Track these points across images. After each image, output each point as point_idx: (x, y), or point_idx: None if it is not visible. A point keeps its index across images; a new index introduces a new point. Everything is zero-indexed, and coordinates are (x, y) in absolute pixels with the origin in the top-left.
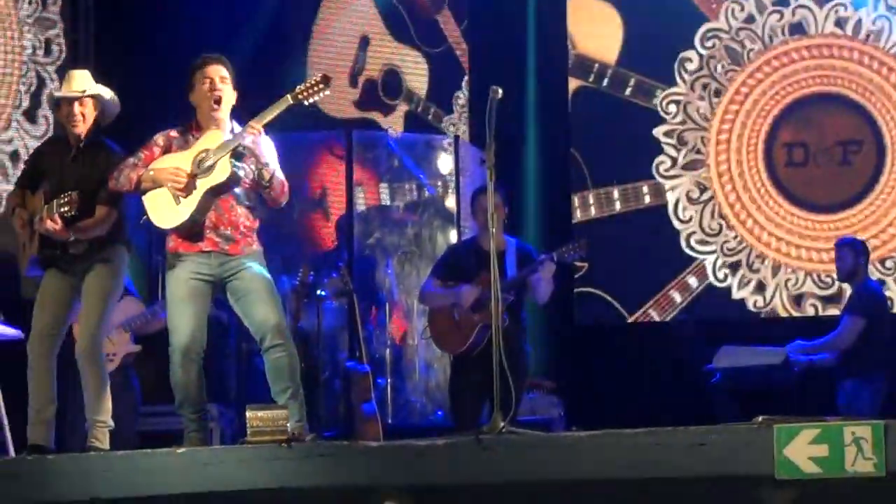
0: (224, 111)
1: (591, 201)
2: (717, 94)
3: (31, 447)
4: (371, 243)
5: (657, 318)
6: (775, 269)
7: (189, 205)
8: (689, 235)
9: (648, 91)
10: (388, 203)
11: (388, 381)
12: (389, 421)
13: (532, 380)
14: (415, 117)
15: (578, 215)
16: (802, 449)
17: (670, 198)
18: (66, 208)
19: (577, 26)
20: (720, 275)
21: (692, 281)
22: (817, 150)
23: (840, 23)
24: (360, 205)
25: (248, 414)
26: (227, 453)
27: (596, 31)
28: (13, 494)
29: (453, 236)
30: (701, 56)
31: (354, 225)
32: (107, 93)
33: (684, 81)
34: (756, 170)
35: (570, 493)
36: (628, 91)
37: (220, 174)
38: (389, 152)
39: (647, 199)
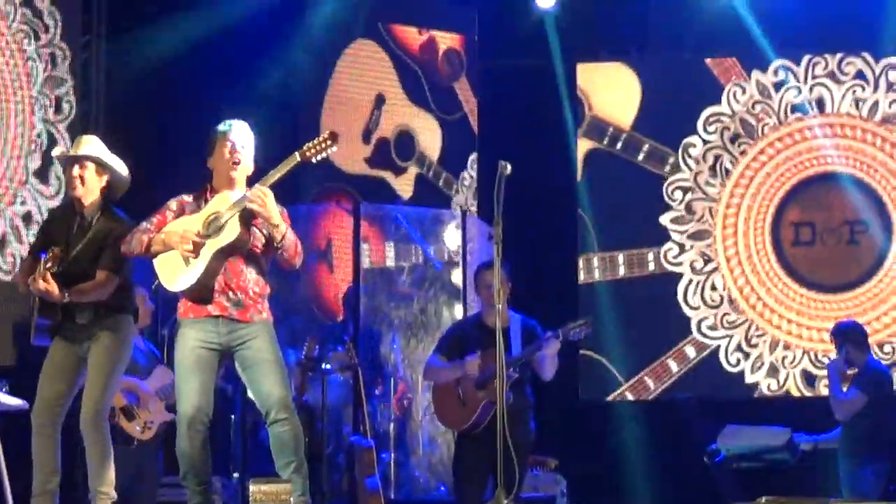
0: (241, 174)
1: (596, 264)
2: (727, 172)
3: None
4: (377, 306)
5: (652, 387)
6: (782, 349)
7: (198, 266)
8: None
9: (662, 157)
10: (394, 264)
11: (392, 455)
12: (392, 496)
13: (535, 457)
14: (424, 181)
15: (582, 276)
16: None
17: (680, 280)
18: (49, 264)
19: (594, 89)
20: (730, 358)
21: (690, 351)
22: (824, 230)
23: (856, 104)
24: (366, 263)
25: (252, 487)
26: None
27: (613, 95)
28: None
29: (459, 311)
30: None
31: (360, 288)
32: (117, 164)
33: (692, 160)
34: (763, 248)
35: None
36: (641, 156)
37: (228, 234)
38: (396, 226)
39: (652, 267)
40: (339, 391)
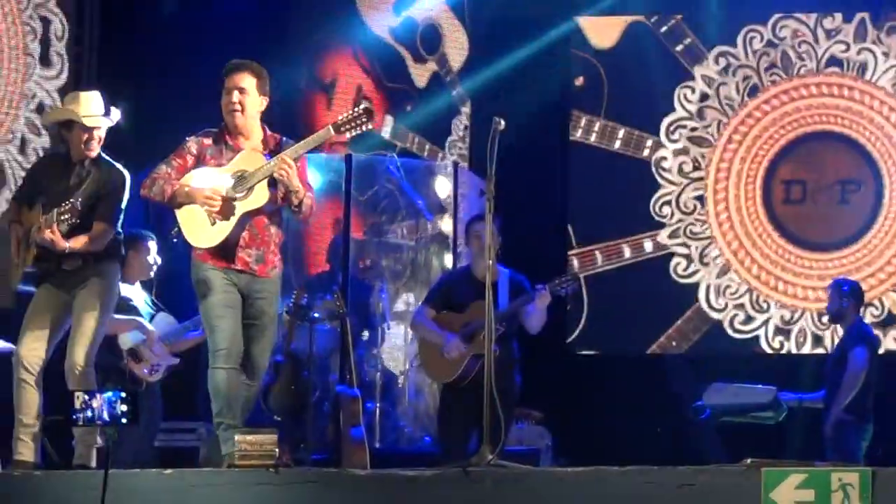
0: (247, 120)
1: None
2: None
3: (17, 462)
4: (366, 266)
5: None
6: (770, 307)
7: (225, 226)
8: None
9: (638, 143)
10: (386, 230)
11: (378, 405)
12: (377, 445)
13: (520, 410)
14: (440, 81)
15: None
16: (789, 493)
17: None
18: (67, 216)
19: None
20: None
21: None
22: (815, 189)
23: (834, 61)
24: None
25: (237, 437)
26: (215, 476)
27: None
28: None
29: (448, 260)
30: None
31: (349, 237)
32: (118, 114)
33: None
34: (754, 206)
35: None
36: (618, 144)
37: (258, 199)
38: (388, 178)
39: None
40: (326, 340)
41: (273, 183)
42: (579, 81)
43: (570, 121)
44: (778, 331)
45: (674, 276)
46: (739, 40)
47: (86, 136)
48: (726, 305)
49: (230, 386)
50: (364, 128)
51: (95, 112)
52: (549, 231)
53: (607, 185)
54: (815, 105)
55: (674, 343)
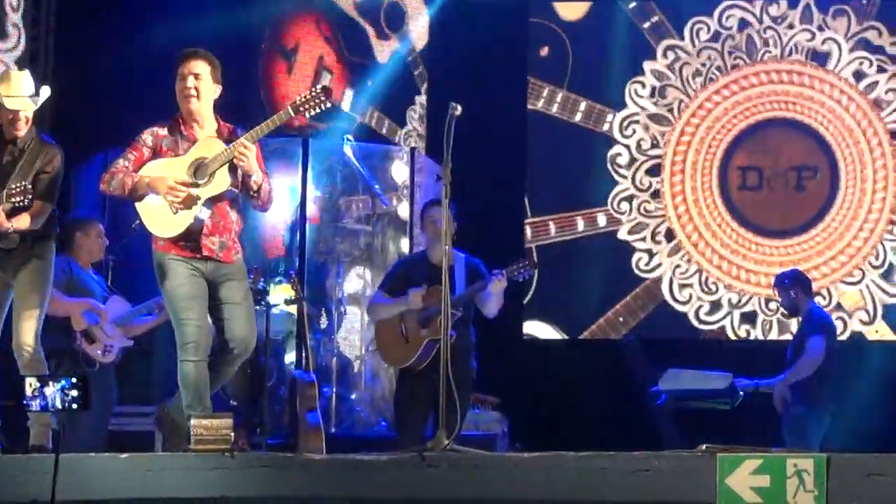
0: (202, 107)
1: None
2: (673, 112)
3: None
4: (322, 251)
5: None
6: (726, 292)
7: (188, 215)
8: (639, 259)
9: (599, 117)
10: (343, 213)
11: (334, 390)
12: (333, 430)
13: (477, 395)
14: (402, 61)
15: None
16: (744, 479)
17: (624, 223)
18: (19, 199)
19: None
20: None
21: (639, 301)
22: (771, 175)
23: (796, 48)
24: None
25: (193, 422)
26: (170, 460)
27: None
28: None
29: (405, 245)
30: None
31: (306, 221)
32: (47, 92)
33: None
34: (710, 192)
35: None
36: (579, 116)
37: (220, 185)
38: (345, 162)
39: (581, 226)
40: (282, 325)
41: (233, 169)
42: (544, 51)
43: (529, 90)
44: (744, 319)
45: (636, 271)
46: (686, 33)
47: (10, 116)
48: (690, 297)
49: (199, 378)
50: (323, 106)
51: (22, 93)
52: (508, 207)
53: (566, 157)
54: (770, 92)
55: (620, 319)
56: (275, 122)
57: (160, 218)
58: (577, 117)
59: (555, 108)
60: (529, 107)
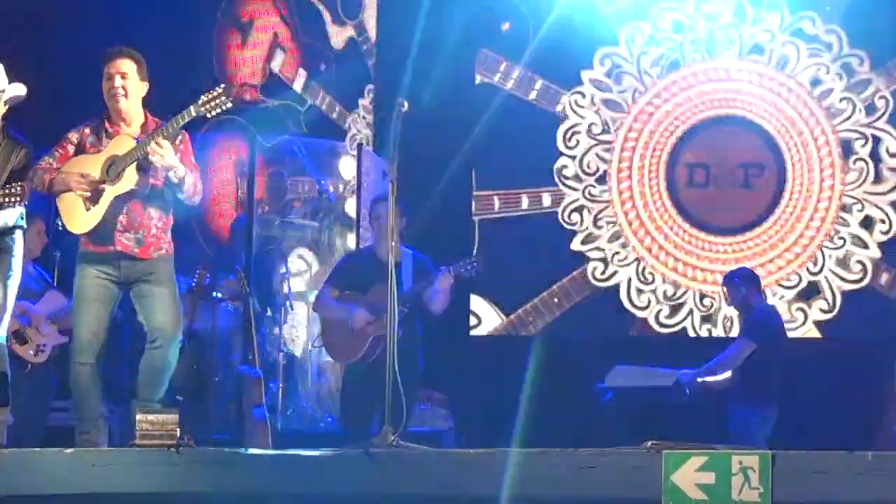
0: (130, 106)
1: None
2: (621, 108)
3: None
4: (271, 248)
5: (538, 322)
6: (672, 287)
7: (97, 211)
8: (579, 239)
9: (554, 97)
10: (289, 210)
11: (281, 385)
12: (279, 425)
13: (423, 391)
14: (356, 48)
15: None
16: (690, 476)
17: (566, 203)
18: (13, 199)
19: None
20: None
21: (575, 286)
22: (718, 172)
23: (754, 48)
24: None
25: (138, 416)
26: (116, 455)
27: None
28: None
29: (352, 240)
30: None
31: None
32: (21, 90)
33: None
34: (657, 189)
35: None
36: (533, 95)
37: (126, 183)
38: (292, 157)
39: (525, 204)
40: (228, 320)
41: (143, 166)
42: (505, 26)
43: (479, 62)
44: (704, 319)
45: (593, 280)
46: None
47: None
48: (649, 302)
49: (83, 382)
50: (223, 107)
51: None
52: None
53: (516, 133)
54: (716, 90)
55: (556, 300)
56: (179, 120)
57: (74, 214)
58: (532, 95)
59: (510, 84)
60: (485, 80)
